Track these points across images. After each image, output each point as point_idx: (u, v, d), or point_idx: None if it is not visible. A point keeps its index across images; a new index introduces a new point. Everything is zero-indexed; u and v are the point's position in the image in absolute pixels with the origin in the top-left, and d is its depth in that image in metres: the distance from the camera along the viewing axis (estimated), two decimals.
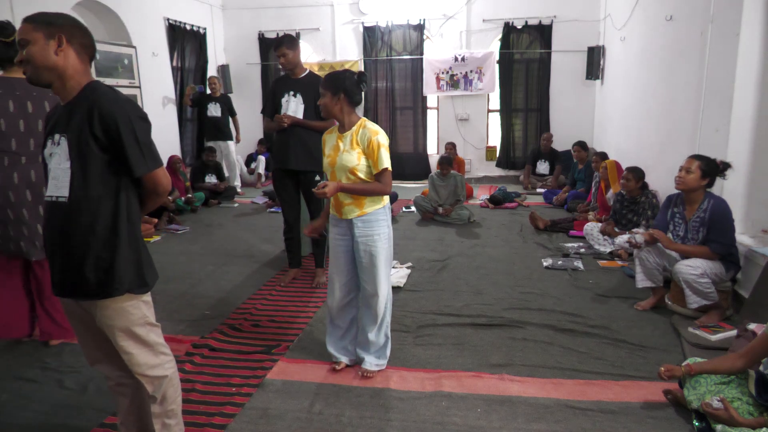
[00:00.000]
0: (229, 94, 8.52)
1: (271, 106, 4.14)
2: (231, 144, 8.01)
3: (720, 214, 3.28)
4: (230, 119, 7.96)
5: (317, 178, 4.04)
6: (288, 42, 4.01)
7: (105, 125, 1.72)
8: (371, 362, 2.83)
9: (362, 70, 2.96)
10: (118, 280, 1.79)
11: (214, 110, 7.74)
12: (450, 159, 6.63)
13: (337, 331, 2.91)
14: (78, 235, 1.77)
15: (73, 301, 1.89)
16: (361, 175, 2.62)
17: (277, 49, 4.02)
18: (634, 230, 3.93)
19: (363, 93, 2.75)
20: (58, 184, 1.77)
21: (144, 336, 1.90)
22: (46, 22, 1.74)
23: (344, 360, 2.90)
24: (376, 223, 2.68)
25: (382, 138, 2.61)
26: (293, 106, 4.04)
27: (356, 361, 2.91)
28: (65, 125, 1.77)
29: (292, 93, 4.06)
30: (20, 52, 1.75)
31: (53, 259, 1.84)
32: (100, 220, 1.76)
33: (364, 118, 2.71)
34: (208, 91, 7.90)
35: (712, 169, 3.32)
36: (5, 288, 3.12)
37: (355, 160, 2.60)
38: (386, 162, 2.61)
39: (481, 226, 6.10)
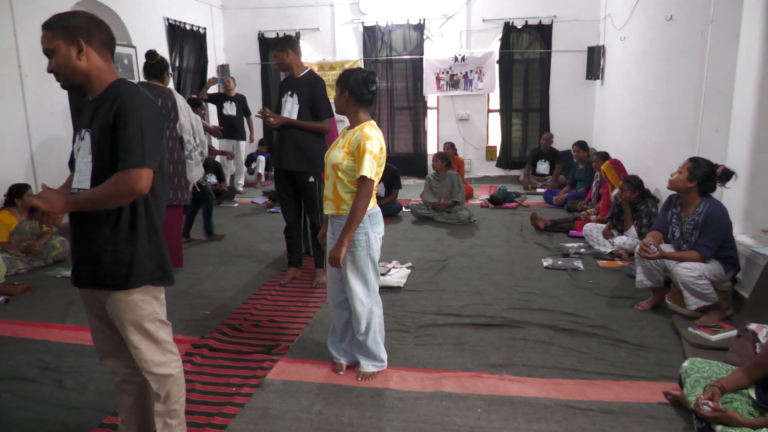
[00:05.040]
0: None
1: (277, 107, 4.21)
2: (243, 144, 8.12)
3: (712, 217, 3.23)
4: (245, 119, 8.03)
5: (311, 179, 4.05)
6: (279, 45, 4.07)
7: (117, 116, 1.72)
8: (367, 364, 2.82)
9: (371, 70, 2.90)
10: (137, 273, 1.82)
11: (229, 109, 7.86)
12: (445, 155, 6.60)
13: (335, 331, 2.91)
14: (98, 228, 1.79)
15: (90, 293, 1.92)
16: (342, 175, 2.60)
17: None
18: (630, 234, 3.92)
19: (372, 93, 2.68)
20: (81, 177, 1.80)
21: (153, 332, 1.91)
22: (64, 27, 1.73)
23: (344, 362, 2.90)
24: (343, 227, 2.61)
25: (371, 145, 2.52)
26: (289, 106, 4.07)
27: (355, 362, 2.90)
28: (90, 121, 1.80)
29: (289, 93, 4.08)
30: (49, 62, 1.76)
31: (74, 250, 1.88)
32: (119, 213, 1.78)
33: (371, 122, 2.67)
34: (221, 90, 7.96)
35: (703, 173, 3.25)
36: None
37: (340, 158, 2.59)
38: (366, 170, 2.49)
39: (481, 227, 6.10)
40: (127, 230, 1.80)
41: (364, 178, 2.52)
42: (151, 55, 4.45)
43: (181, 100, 4.56)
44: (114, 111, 1.72)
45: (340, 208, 2.64)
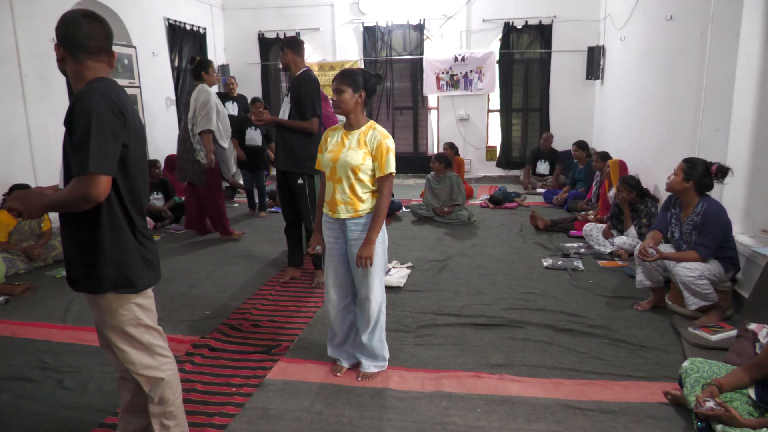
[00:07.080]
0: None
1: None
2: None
3: (710, 217, 3.22)
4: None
5: (300, 181, 4.02)
6: (281, 45, 4.14)
7: (68, 118, 1.70)
8: (368, 365, 2.83)
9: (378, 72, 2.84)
10: (99, 279, 1.79)
11: (231, 109, 7.83)
12: (445, 156, 6.59)
13: (337, 335, 2.89)
14: (68, 231, 1.82)
15: None
16: (362, 176, 2.60)
17: None
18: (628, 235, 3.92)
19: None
20: (62, 177, 1.85)
21: (137, 336, 1.89)
22: (56, 30, 1.79)
23: (345, 364, 2.89)
24: (369, 226, 2.63)
25: (390, 143, 2.60)
26: (284, 106, 4.11)
27: (356, 364, 2.90)
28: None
29: (286, 93, 4.11)
30: None
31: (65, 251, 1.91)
32: (79, 219, 1.76)
33: (373, 121, 2.70)
34: (221, 90, 7.95)
35: (697, 172, 3.25)
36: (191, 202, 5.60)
37: (360, 159, 2.58)
38: (392, 167, 2.60)
39: (480, 227, 6.10)
40: (89, 236, 1.77)
41: (390, 175, 2.61)
42: (191, 60, 5.29)
43: (195, 94, 5.10)
44: (69, 112, 1.71)
45: (358, 210, 2.63)
